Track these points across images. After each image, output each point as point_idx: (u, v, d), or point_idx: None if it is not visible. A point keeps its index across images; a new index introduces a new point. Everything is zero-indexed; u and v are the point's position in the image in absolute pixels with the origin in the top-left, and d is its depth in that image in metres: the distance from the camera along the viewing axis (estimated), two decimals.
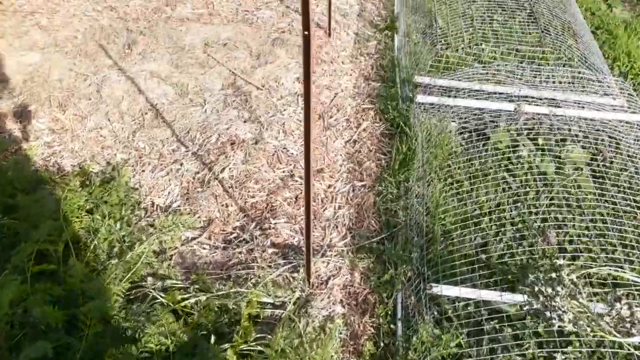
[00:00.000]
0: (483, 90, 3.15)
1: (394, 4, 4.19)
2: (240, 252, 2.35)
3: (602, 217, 2.51)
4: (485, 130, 2.95)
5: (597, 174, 2.73)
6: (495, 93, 3.15)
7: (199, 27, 3.73)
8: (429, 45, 3.61)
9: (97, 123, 2.99)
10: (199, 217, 2.51)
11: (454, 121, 3.01)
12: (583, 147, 2.90)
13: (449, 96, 3.12)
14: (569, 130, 2.95)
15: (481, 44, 3.65)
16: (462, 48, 3.61)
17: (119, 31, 3.64)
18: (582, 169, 2.78)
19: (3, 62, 3.31)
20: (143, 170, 2.72)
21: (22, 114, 2.99)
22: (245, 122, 3.04)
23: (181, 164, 2.76)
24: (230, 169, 2.75)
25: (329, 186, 2.73)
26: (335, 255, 2.37)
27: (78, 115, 3.02)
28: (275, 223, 2.48)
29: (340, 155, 2.91)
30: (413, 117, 2.98)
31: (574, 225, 2.48)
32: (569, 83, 3.29)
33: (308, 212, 1.79)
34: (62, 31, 3.61)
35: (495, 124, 2.99)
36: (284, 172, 2.78)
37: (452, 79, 3.21)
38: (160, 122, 3.02)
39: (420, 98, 2.98)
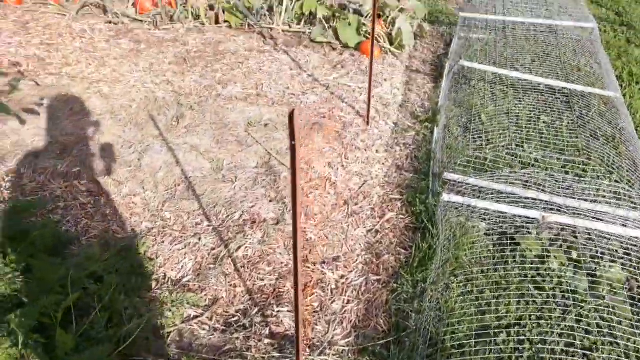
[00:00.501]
0: (517, 194, 3.04)
1: (439, 96, 4.23)
2: (237, 338, 2.30)
3: (636, 347, 2.27)
4: (515, 235, 2.82)
5: (638, 299, 2.50)
6: (530, 199, 3.03)
7: (245, 107, 3.92)
8: (468, 141, 3.58)
9: (132, 190, 3.13)
10: (205, 294, 2.50)
11: (484, 220, 2.90)
12: (623, 267, 2.68)
13: (479, 196, 3.03)
14: (608, 246, 2.75)
15: (523, 145, 3.58)
16: (503, 147, 3.55)
17: (171, 104, 3.89)
18: (619, 291, 2.55)
19: (60, 125, 3.60)
20: (163, 242, 2.79)
21: (67, 175, 3.20)
22: (270, 201, 3.08)
23: (199, 238, 2.81)
24: (246, 247, 2.76)
25: (342, 277, 2.66)
26: (334, 355, 2.27)
27: (116, 180, 3.19)
28: (278, 311, 2.43)
29: (360, 244, 2.86)
30: (438, 213, 2.90)
31: (602, 353, 2.25)
32: (613, 197, 3.11)
33: (297, 314, 1.73)
34: (120, 100, 3.90)
35: (527, 230, 2.85)
36: None
37: (485, 179, 3.12)
38: (190, 195, 3.12)
39: (446, 196, 2.91)
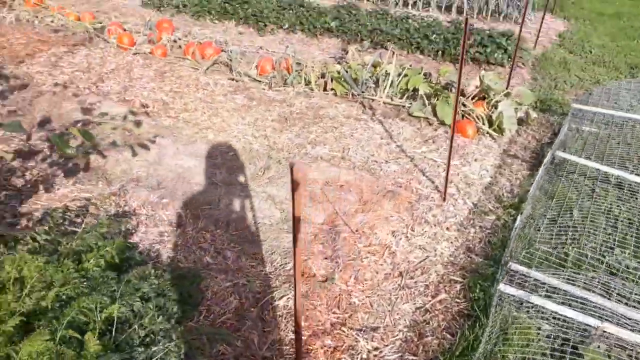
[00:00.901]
0: (590, 301, 2.74)
1: (531, 184, 4.02)
2: None
3: None
4: (579, 344, 2.52)
5: None
6: (606, 309, 2.71)
7: (327, 167, 4.08)
8: (551, 235, 3.34)
9: (206, 226, 3.38)
10: (239, 335, 2.58)
11: (547, 322, 2.65)
12: None
13: (548, 295, 2.78)
14: None
15: (614, 249, 3.25)
16: (591, 248, 3.25)
17: (262, 156, 4.19)
18: None
19: (164, 161, 4.05)
20: (216, 277, 2.95)
21: (156, 204, 3.56)
22: (325, 258, 3.13)
23: (248, 281, 2.92)
24: (288, 298, 2.82)
25: (376, 348, 2.58)
26: None
27: (195, 215, 3.47)
28: None
29: (404, 320, 2.76)
30: (493, 303, 2.71)
31: None
32: None
33: None
34: (221, 147, 4.30)
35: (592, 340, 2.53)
36: (337, 318, 2.73)
37: (554, 277, 2.87)
38: (255, 239, 3.29)
39: (502, 286, 2.72)
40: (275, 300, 2.80)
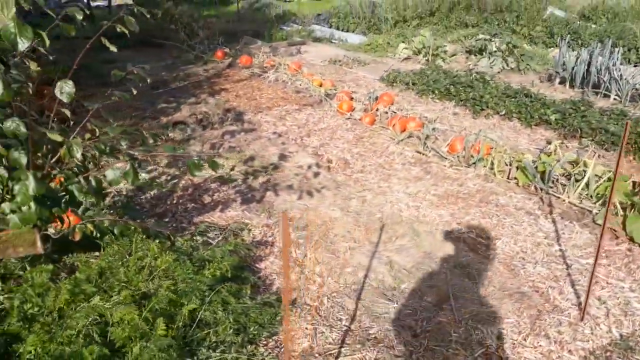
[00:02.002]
0: None
1: None
2: None
3: None
4: None
5: None
6: None
7: (460, 249, 3.91)
8: None
9: (320, 272, 3.65)
10: None
11: None
12: None
13: None
14: None
15: None
16: None
17: (404, 225, 4.27)
18: None
19: (319, 208, 4.50)
20: (301, 317, 3.17)
21: (293, 243, 4.01)
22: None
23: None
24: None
25: None
26: None
27: (317, 259, 3.78)
28: None
29: None
30: None
31: None
32: None
33: None
34: (371, 207, 4.55)
35: None
36: None
37: None
38: (355, 296, 3.40)
39: None
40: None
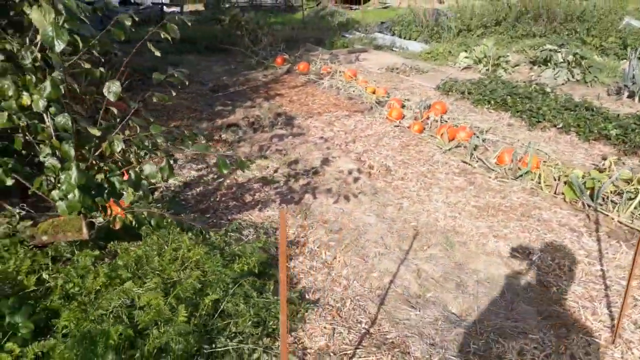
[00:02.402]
0: None
1: None
2: None
3: None
4: None
5: None
6: None
7: (492, 261, 3.83)
8: None
9: (343, 274, 3.71)
10: None
11: None
12: None
13: None
14: None
15: None
16: None
17: (438, 234, 4.24)
18: None
19: (354, 213, 4.56)
20: (317, 317, 3.25)
21: (323, 244, 4.09)
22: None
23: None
24: None
25: None
26: None
27: (345, 262, 3.84)
28: None
29: None
30: None
31: None
32: None
33: None
34: (407, 215, 4.54)
35: None
36: None
37: None
38: (373, 299, 3.43)
39: None
40: None
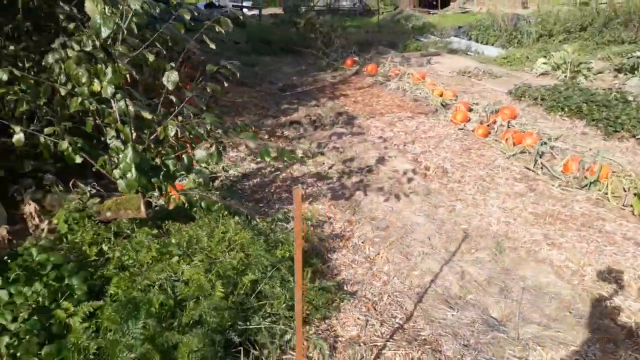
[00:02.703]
0: None
1: None
2: None
3: None
4: None
5: None
6: None
7: (544, 271, 3.68)
8: None
9: (387, 272, 3.72)
10: None
11: None
12: None
13: None
14: None
15: None
16: None
17: (489, 239, 4.13)
18: None
19: (403, 212, 4.54)
20: (354, 308, 3.29)
21: (368, 240, 4.12)
22: None
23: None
24: None
25: None
26: None
27: (387, 258, 3.85)
28: None
29: None
30: None
31: None
32: None
33: None
34: (458, 218, 4.46)
35: None
36: None
37: None
38: (412, 297, 3.42)
39: None
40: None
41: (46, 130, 3.34)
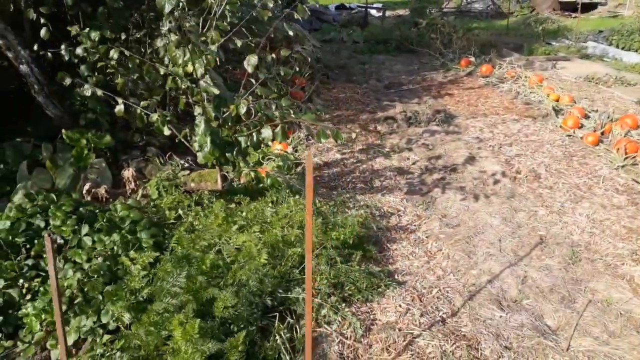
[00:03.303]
0: None
1: None
2: None
3: None
4: None
5: None
6: None
7: (619, 286, 3.33)
8: None
9: (444, 267, 3.65)
10: None
11: None
12: None
13: None
14: None
15: None
16: None
17: (564, 246, 3.83)
18: None
19: (478, 213, 4.39)
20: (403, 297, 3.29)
21: (434, 235, 4.06)
22: None
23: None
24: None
25: None
26: None
27: (445, 255, 3.77)
28: None
29: None
30: None
31: None
32: None
33: None
34: (535, 224, 4.19)
35: None
36: None
37: None
38: (453, 303, 3.33)
39: None
40: None
41: (142, 103, 3.82)
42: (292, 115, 3.50)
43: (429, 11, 16.11)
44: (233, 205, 4.03)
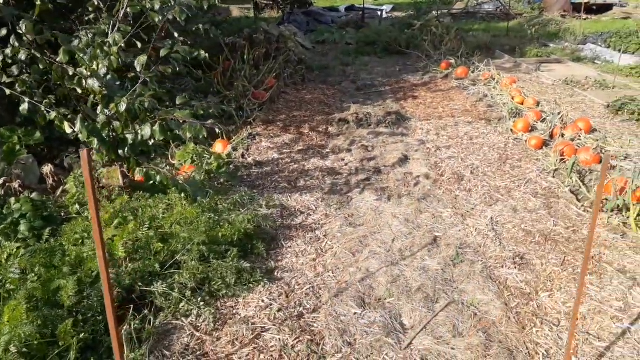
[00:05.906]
0: None
1: None
2: None
3: None
4: None
5: None
6: None
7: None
8: None
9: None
10: None
11: None
12: None
13: None
14: None
15: None
16: None
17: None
18: None
19: (382, 217, 4.43)
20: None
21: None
22: None
23: None
24: None
25: None
26: None
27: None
28: None
29: None
30: None
31: None
32: None
33: None
34: (422, 231, 4.22)
35: None
36: None
37: None
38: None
39: None
40: None
41: (45, 102, 4.01)
42: (178, 114, 3.64)
43: (434, 12, 16.05)
44: (135, 202, 4.17)
